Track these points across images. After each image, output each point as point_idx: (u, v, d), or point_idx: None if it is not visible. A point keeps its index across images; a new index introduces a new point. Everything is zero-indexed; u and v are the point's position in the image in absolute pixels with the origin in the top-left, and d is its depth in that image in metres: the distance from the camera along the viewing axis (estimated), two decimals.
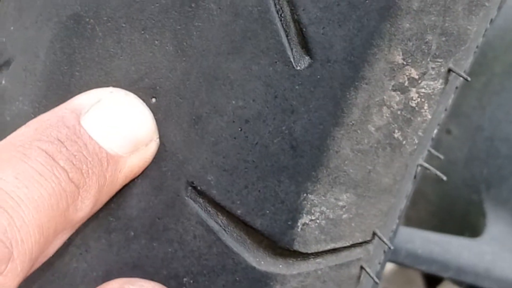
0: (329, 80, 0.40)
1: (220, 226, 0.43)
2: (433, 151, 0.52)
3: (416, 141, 0.43)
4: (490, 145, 1.06)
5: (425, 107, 0.43)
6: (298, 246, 0.43)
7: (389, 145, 0.43)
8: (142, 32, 0.43)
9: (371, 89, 0.41)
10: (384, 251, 0.51)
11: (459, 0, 0.41)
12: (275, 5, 0.40)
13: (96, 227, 0.45)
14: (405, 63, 0.41)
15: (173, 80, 0.43)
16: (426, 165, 0.48)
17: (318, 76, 0.40)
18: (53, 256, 0.45)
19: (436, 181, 1.09)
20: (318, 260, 0.44)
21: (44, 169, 0.39)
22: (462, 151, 1.08)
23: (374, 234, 0.45)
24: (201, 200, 0.43)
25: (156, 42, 0.43)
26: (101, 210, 0.44)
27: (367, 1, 0.39)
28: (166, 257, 0.44)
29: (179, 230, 0.43)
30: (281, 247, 0.43)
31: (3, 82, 0.48)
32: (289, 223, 0.42)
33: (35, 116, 0.45)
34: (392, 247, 0.47)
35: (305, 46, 0.40)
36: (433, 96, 0.43)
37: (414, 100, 0.42)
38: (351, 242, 0.44)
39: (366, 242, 0.45)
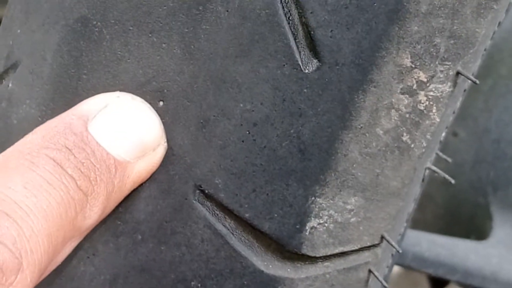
0: (337, 83, 0.40)
1: (228, 229, 0.43)
2: (441, 154, 0.52)
3: (425, 144, 0.43)
4: (497, 147, 1.06)
5: (434, 110, 0.42)
6: (306, 250, 0.42)
7: (398, 148, 0.42)
8: (150, 35, 0.43)
9: (379, 92, 0.41)
10: (392, 255, 0.51)
11: (467, 3, 0.41)
12: (283, 8, 0.40)
13: (104, 230, 0.45)
14: (413, 66, 0.41)
15: (180, 83, 0.43)
16: (434, 168, 0.48)
17: (326, 79, 0.40)
18: None
19: (442, 184, 1.09)
20: (326, 263, 0.44)
21: (53, 178, 0.39)
22: (468, 153, 1.08)
23: (382, 237, 0.45)
24: (209, 204, 0.43)
25: (163, 45, 0.43)
26: (108, 213, 0.44)
27: (375, 4, 0.39)
28: (173, 260, 0.44)
29: (187, 234, 0.43)
30: (289, 251, 0.43)
31: (10, 85, 0.48)
32: (297, 226, 0.42)
33: (42, 120, 0.45)
34: (400, 251, 0.47)
35: (313, 49, 0.40)
36: (441, 99, 0.42)
37: (423, 103, 0.42)
38: (359, 246, 0.44)
39: (374, 245, 0.45)
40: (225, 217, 0.43)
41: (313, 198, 0.42)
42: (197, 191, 0.43)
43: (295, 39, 0.40)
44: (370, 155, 0.42)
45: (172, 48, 0.43)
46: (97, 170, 0.41)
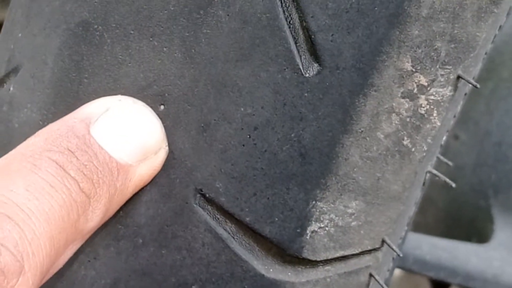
0: (338, 87, 0.40)
1: (229, 233, 0.43)
2: (442, 157, 0.52)
3: (425, 148, 0.43)
4: (498, 150, 1.06)
5: (434, 114, 0.42)
6: (307, 254, 0.42)
7: (398, 152, 0.42)
8: (151, 39, 0.43)
9: (380, 96, 0.41)
10: (393, 258, 0.50)
11: (468, 7, 0.41)
12: (283, 12, 0.40)
13: (105, 234, 0.45)
14: (414, 70, 0.41)
15: (181, 87, 0.43)
16: (435, 172, 0.48)
17: (327, 83, 0.40)
18: None
19: (443, 187, 1.09)
20: (327, 267, 0.44)
21: (55, 180, 0.39)
22: (470, 156, 1.08)
23: (383, 241, 0.45)
24: (209, 208, 0.43)
25: (164, 49, 0.43)
26: (110, 217, 0.44)
27: (376, 8, 0.39)
28: (174, 264, 0.44)
29: (187, 238, 0.43)
30: (290, 255, 0.43)
31: (11, 89, 0.48)
32: (298, 230, 0.42)
33: (43, 123, 0.45)
34: (401, 255, 0.47)
35: (314, 53, 0.40)
36: (442, 103, 0.42)
37: (423, 107, 0.42)
38: (360, 250, 0.44)
39: (375, 249, 0.45)
40: (226, 221, 0.43)
41: (314, 202, 0.42)
42: (198, 195, 0.43)
43: (295, 43, 0.41)
44: (371, 159, 0.42)
45: (173, 52, 0.43)
46: (100, 172, 0.41)
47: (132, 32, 0.43)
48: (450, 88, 0.42)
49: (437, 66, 0.41)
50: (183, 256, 0.44)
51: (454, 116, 0.48)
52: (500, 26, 0.46)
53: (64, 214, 0.39)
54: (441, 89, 0.42)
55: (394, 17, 0.39)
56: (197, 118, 0.42)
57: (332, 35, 0.40)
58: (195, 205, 0.43)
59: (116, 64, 0.44)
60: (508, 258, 0.99)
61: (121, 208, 0.44)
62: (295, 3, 0.40)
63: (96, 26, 0.44)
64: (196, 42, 0.42)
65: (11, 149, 0.41)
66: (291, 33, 0.40)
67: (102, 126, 0.42)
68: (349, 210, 0.43)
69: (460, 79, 0.43)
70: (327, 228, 0.42)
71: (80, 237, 0.42)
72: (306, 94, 0.40)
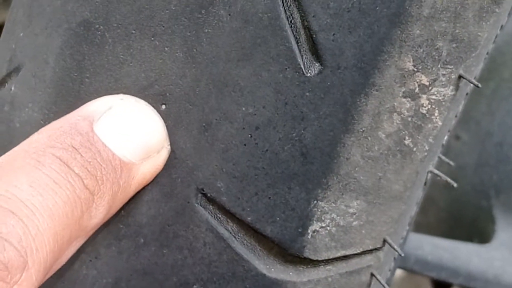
0: (340, 86, 0.40)
1: (230, 233, 0.43)
2: (443, 157, 0.52)
3: (427, 148, 0.43)
4: (500, 150, 1.06)
5: (436, 114, 0.42)
6: (308, 253, 0.42)
7: (400, 152, 0.42)
8: (152, 38, 0.43)
9: (381, 96, 0.41)
10: (394, 258, 0.50)
11: (469, 7, 0.41)
12: (285, 11, 0.40)
13: (106, 234, 0.45)
14: (415, 69, 0.41)
15: (183, 87, 0.43)
16: (437, 171, 0.48)
17: (329, 83, 0.40)
18: None
19: (445, 187, 1.09)
20: (329, 267, 0.44)
21: (59, 177, 0.39)
22: (471, 157, 1.08)
23: (384, 241, 0.45)
24: (211, 207, 0.43)
25: (166, 48, 0.43)
26: (111, 217, 0.44)
27: (377, 8, 0.39)
28: (176, 264, 0.44)
29: (189, 237, 0.43)
30: (292, 254, 0.43)
31: (13, 88, 0.48)
32: (299, 230, 0.42)
33: (44, 123, 0.45)
34: (402, 254, 0.47)
35: (315, 52, 0.40)
36: (443, 103, 0.42)
37: (425, 107, 0.42)
38: (361, 249, 0.44)
39: (376, 249, 0.45)
40: (227, 221, 0.43)
41: (315, 201, 0.42)
42: (199, 195, 0.43)
43: (297, 42, 0.41)
44: (372, 158, 0.42)
45: (175, 51, 0.43)
46: (104, 169, 0.41)
47: (133, 31, 0.44)
48: (451, 87, 0.42)
49: (439, 66, 0.41)
50: (185, 256, 0.44)
51: (456, 116, 0.48)
52: (501, 26, 0.46)
53: (68, 211, 0.39)
54: (442, 89, 0.42)
55: (396, 17, 0.39)
56: (199, 117, 0.42)
57: (334, 34, 0.40)
58: (196, 205, 0.43)
59: (118, 63, 0.44)
60: (510, 258, 0.99)
61: (123, 208, 0.44)
62: (296, 3, 0.40)
63: (97, 26, 0.44)
64: (197, 41, 0.42)
65: (12, 149, 0.41)
66: (293, 33, 0.40)
67: (105, 124, 0.42)
68: (351, 210, 0.43)
69: (462, 78, 0.43)
70: (328, 228, 0.42)
71: (83, 234, 0.42)
72: (307, 94, 0.40)
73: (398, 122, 0.42)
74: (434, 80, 0.41)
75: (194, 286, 0.44)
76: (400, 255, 0.47)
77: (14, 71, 0.49)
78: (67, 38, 0.45)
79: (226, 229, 0.43)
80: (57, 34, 0.46)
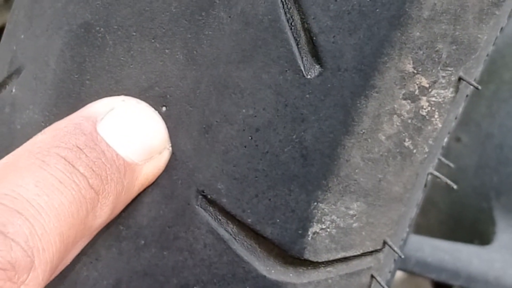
0: (340, 88, 0.40)
1: (231, 234, 0.43)
2: (443, 159, 0.52)
3: (427, 150, 0.43)
4: (500, 152, 1.06)
5: (436, 116, 0.43)
6: (308, 255, 0.42)
7: (400, 154, 0.42)
8: (153, 40, 0.43)
9: (381, 98, 0.41)
10: (395, 260, 0.51)
11: (469, 9, 0.41)
12: (285, 14, 0.41)
13: (107, 235, 0.45)
14: (415, 71, 0.41)
15: (183, 89, 0.43)
16: (437, 173, 0.48)
17: (329, 85, 0.40)
18: None
19: (445, 189, 1.09)
20: (329, 269, 0.44)
21: (64, 176, 0.39)
22: (472, 158, 1.08)
23: (384, 243, 0.45)
24: (211, 209, 0.43)
25: (166, 50, 0.43)
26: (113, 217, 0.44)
27: (377, 10, 0.39)
28: (176, 265, 0.44)
29: (189, 239, 0.43)
30: (292, 256, 0.43)
31: (14, 90, 0.49)
32: (299, 232, 0.42)
33: (45, 125, 0.45)
34: (402, 256, 0.47)
35: (316, 54, 0.40)
36: (443, 105, 0.42)
37: (425, 109, 0.42)
38: (361, 251, 0.44)
39: (376, 250, 0.45)
40: (227, 222, 0.43)
41: (315, 203, 0.42)
42: (200, 196, 0.43)
43: (297, 44, 0.41)
44: (372, 160, 0.42)
45: (175, 53, 0.43)
46: (108, 169, 0.41)
47: (134, 33, 0.44)
48: (451, 89, 0.42)
49: (439, 68, 0.41)
50: (185, 257, 0.44)
51: (456, 118, 0.48)
52: (501, 28, 0.46)
53: (74, 210, 0.39)
54: (442, 91, 0.42)
55: (396, 19, 0.39)
56: (199, 119, 0.43)
57: (334, 36, 0.40)
58: (196, 206, 0.43)
59: (118, 65, 0.44)
60: (510, 260, 0.99)
61: (123, 209, 0.44)
62: (296, 5, 0.40)
63: (98, 28, 0.44)
64: (198, 43, 0.42)
65: (13, 151, 0.41)
66: (293, 35, 0.41)
67: (108, 124, 0.42)
68: (351, 212, 0.43)
69: (462, 80, 0.43)
70: (328, 230, 0.42)
71: (88, 233, 0.42)
72: (307, 96, 0.41)
73: (398, 124, 0.42)
74: (434, 82, 0.41)
75: None
76: (400, 256, 0.47)
77: (15, 73, 0.49)
78: (68, 40, 0.45)
79: (226, 230, 0.43)
80: (58, 36, 0.46)
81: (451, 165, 0.59)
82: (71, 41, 0.45)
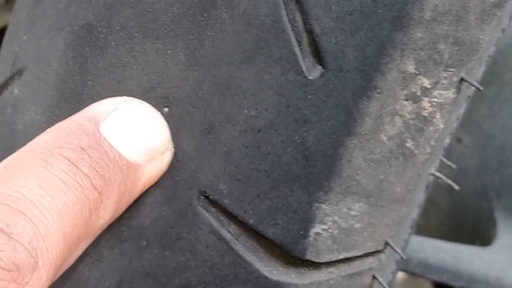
0: (342, 89, 0.40)
1: (233, 235, 0.43)
2: (445, 160, 0.52)
3: (428, 151, 0.43)
4: (501, 153, 1.06)
5: (438, 117, 0.43)
6: (310, 256, 0.43)
7: (402, 155, 0.43)
8: (155, 41, 0.43)
9: (383, 99, 0.41)
10: (396, 261, 0.51)
11: (471, 10, 0.41)
12: (287, 14, 0.41)
13: (109, 236, 0.45)
14: (417, 72, 0.41)
15: (185, 90, 0.43)
16: (438, 174, 0.48)
17: (331, 86, 0.40)
18: None
19: (447, 190, 1.09)
20: (330, 269, 0.44)
21: (67, 177, 0.39)
22: (473, 159, 1.08)
23: (386, 243, 0.45)
24: (213, 209, 0.43)
25: (168, 51, 0.43)
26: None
27: (379, 11, 0.39)
28: (178, 266, 0.44)
29: (191, 240, 0.43)
30: (294, 257, 0.43)
31: (16, 91, 0.49)
32: (301, 232, 0.42)
33: (47, 125, 0.45)
34: (404, 257, 0.47)
35: (318, 55, 0.40)
36: (445, 106, 0.43)
37: (427, 110, 0.42)
38: (363, 252, 0.44)
39: (378, 251, 0.45)
40: (229, 223, 0.43)
41: (317, 204, 0.42)
42: (202, 197, 0.43)
43: (299, 45, 0.41)
44: (374, 161, 0.42)
45: (177, 54, 0.43)
46: (111, 170, 0.41)
47: (136, 34, 0.44)
48: (453, 90, 0.42)
49: (440, 69, 0.41)
50: (187, 258, 0.44)
51: (457, 119, 0.48)
52: (503, 29, 0.46)
53: (77, 211, 0.39)
54: (444, 92, 0.42)
55: (397, 20, 0.40)
56: (201, 120, 0.43)
57: (336, 37, 0.40)
58: (198, 207, 0.43)
59: (120, 66, 0.44)
60: (511, 261, 0.99)
61: (125, 210, 0.44)
62: (298, 6, 0.40)
63: (100, 29, 0.44)
64: (200, 44, 0.42)
65: (15, 151, 0.41)
66: (295, 36, 0.41)
67: (110, 125, 0.42)
68: (352, 212, 0.43)
69: (463, 81, 0.43)
70: (330, 230, 0.42)
71: (91, 234, 0.42)
72: (309, 97, 0.41)
73: (400, 124, 0.42)
74: (436, 83, 0.41)
75: None
76: (402, 257, 0.47)
77: (17, 74, 0.49)
78: (70, 41, 0.46)
79: (228, 231, 0.43)
80: (60, 37, 0.46)
81: (453, 165, 0.59)
82: (73, 42, 0.45)
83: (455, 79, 0.42)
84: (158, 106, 0.44)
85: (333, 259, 0.44)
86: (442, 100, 0.42)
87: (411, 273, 0.98)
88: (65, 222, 0.38)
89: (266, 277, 0.43)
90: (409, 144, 0.42)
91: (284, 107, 0.41)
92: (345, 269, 0.45)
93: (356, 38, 0.40)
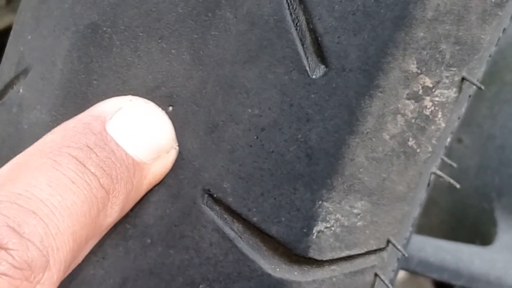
0: (344, 88, 0.41)
1: (236, 233, 0.43)
2: (446, 159, 0.53)
3: (430, 149, 0.44)
4: (501, 153, 1.06)
5: (439, 116, 0.43)
6: (313, 254, 0.43)
7: (404, 153, 0.43)
8: (159, 41, 0.43)
9: (385, 98, 0.41)
10: (398, 259, 0.51)
11: (472, 10, 0.41)
12: (290, 14, 0.41)
13: (114, 234, 0.45)
14: (419, 71, 0.41)
15: (189, 89, 0.43)
16: (440, 173, 0.48)
17: (333, 85, 0.41)
18: None
19: (447, 189, 1.09)
20: (333, 267, 0.44)
21: (76, 176, 0.39)
22: (473, 159, 1.08)
23: (388, 241, 0.45)
24: (217, 208, 0.43)
25: (173, 51, 0.43)
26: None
27: (381, 11, 0.40)
28: (182, 264, 0.44)
29: (195, 238, 0.44)
30: (297, 254, 0.43)
31: (21, 90, 0.49)
32: (304, 230, 0.42)
33: (52, 125, 0.45)
34: (406, 255, 0.47)
35: (321, 55, 0.41)
36: (447, 105, 0.43)
37: (428, 109, 0.42)
38: (365, 250, 0.45)
39: (380, 249, 0.45)
40: (233, 221, 0.43)
41: (320, 202, 0.42)
42: (206, 195, 0.43)
43: (302, 45, 0.41)
44: (376, 159, 0.42)
45: (181, 54, 0.43)
46: (118, 168, 0.41)
47: (140, 34, 0.44)
48: (454, 89, 0.43)
49: (442, 68, 0.41)
50: (191, 256, 0.44)
51: (459, 118, 0.48)
52: (504, 29, 0.46)
53: (86, 210, 0.39)
54: (445, 91, 0.42)
55: (400, 19, 0.40)
56: (205, 119, 0.43)
57: (339, 37, 0.40)
58: (203, 205, 0.43)
59: (125, 65, 0.44)
60: (511, 260, 0.99)
61: (130, 208, 0.44)
62: (302, 6, 0.41)
63: (105, 28, 0.45)
64: (204, 44, 0.42)
65: (20, 151, 0.42)
66: (298, 35, 0.41)
67: (116, 124, 0.42)
68: (355, 210, 0.43)
69: (465, 80, 0.43)
70: (333, 228, 0.43)
71: (98, 232, 0.42)
72: (312, 96, 0.41)
73: (402, 123, 0.42)
74: (438, 82, 0.42)
75: (200, 286, 0.44)
76: (403, 255, 0.48)
77: (22, 73, 0.49)
78: (75, 41, 0.46)
79: (232, 229, 0.43)
80: (65, 37, 0.46)
81: (454, 165, 0.60)
82: (78, 41, 0.46)
83: (456, 78, 0.42)
84: (162, 105, 0.44)
85: (336, 257, 0.44)
86: (443, 99, 0.42)
87: (412, 272, 0.98)
88: (74, 221, 0.39)
89: (270, 275, 0.43)
90: (411, 142, 0.43)
91: (288, 106, 0.41)
92: (347, 267, 0.45)
93: (358, 37, 0.40)
